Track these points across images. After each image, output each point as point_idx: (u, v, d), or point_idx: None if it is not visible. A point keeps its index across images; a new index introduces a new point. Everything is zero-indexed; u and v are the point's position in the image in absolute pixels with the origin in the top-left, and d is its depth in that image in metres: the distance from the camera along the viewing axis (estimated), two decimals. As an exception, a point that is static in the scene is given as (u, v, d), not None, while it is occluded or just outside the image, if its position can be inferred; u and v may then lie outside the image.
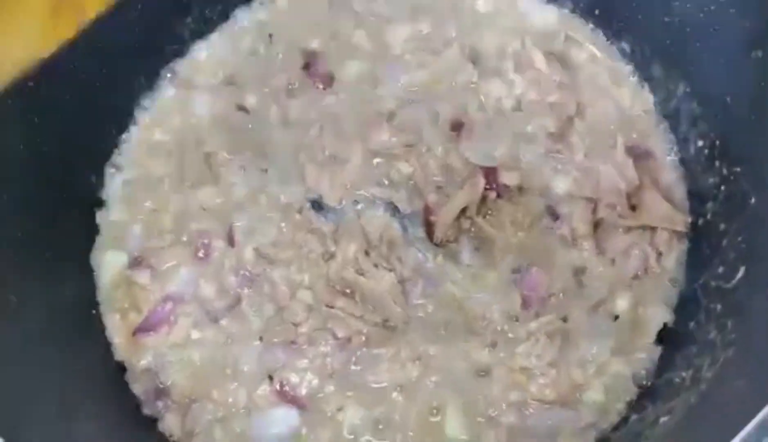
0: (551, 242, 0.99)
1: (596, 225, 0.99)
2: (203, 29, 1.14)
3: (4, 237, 0.87)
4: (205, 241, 1.00)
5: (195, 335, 0.95)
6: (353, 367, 0.93)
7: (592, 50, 1.10)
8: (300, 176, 1.04)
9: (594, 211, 0.99)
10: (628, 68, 1.09)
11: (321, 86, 1.10)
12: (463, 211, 0.99)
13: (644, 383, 0.92)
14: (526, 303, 0.96)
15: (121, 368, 0.95)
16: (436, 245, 0.99)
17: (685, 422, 0.76)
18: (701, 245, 0.96)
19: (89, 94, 1.00)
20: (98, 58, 1.00)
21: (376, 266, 0.95)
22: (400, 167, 1.03)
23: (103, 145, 1.06)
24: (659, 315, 0.95)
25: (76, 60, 0.94)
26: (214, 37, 1.15)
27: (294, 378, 0.92)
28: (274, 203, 1.02)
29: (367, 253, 0.97)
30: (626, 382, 0.93)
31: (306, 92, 1.10)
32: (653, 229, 0.98)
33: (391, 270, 0.96)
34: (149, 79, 1.11)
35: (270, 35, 1.14)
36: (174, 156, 1.06)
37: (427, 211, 1.01)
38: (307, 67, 1.10)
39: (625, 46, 1.09)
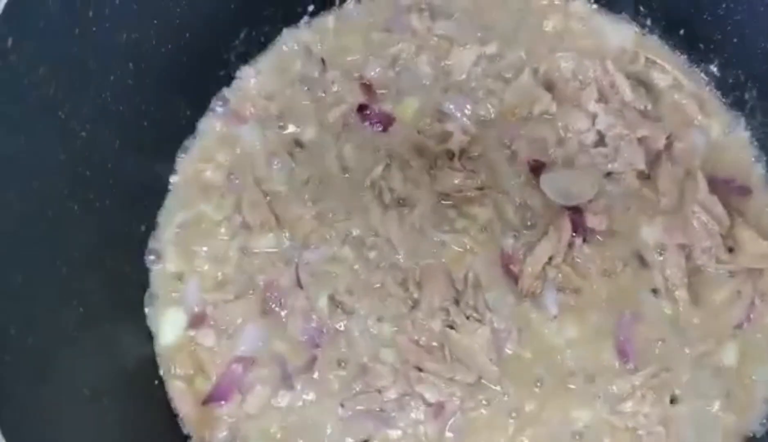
0: (642, 292, 0.92)
1: (692, 273, 0.92)
2: (250, 53, 1.05)
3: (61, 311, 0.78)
4: (274, 292, 0.91)
5: (272, 403, 0.87)
6: (448, 434, 0.85)
7: (675, 74, 1.03)
8: (366, 219, 0.96)
9: (688, 257, 0.92)
10: (717, 95, 1.02)
11: (380, 128, 1.01)
12: (549, 259, 0.92)
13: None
14: (623, 355, 0.89)
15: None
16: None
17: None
18: (809, 289, 0.89)
19: (135, 136, 0.91)
20: (145, 95, 0.91)
21: (467, 317, 0.88)
22: (474, 212, 0.96)
23: (152, 191, 0.97)
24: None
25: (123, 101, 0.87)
26: (263, 63, 1.06)
27: (387, 449, 0.84)
28: (345, 240, 0.94)
29: (456, 302, 0.89)
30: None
31: (365, 129, 1.01)
32: (758, 273, 0.92)
33: (480, 322, 0.88)
34: (196, 112, 1.02)
35: (323, 60, 1.05)
36: (230, 197, 0.97)
37: (505, 258, 0.93)
38: (361, 109, 1.01)
39: (714, 70, 1.01)
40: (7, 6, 0.69)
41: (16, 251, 0.72)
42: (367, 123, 1.02)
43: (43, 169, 0.77)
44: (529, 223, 0.95)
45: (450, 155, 0.98)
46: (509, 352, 0.89)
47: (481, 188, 0.97)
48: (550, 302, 0.91)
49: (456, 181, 0.97)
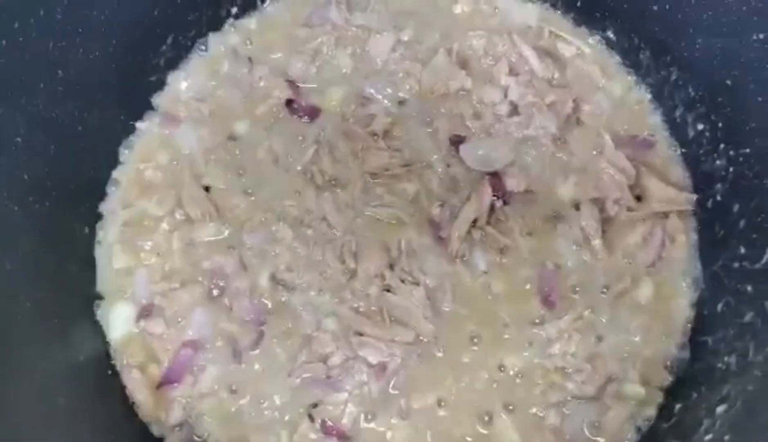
0: (562, 245, 0.99)
1: (606, 222, 0.99)
2: (178, 57, 1.10)
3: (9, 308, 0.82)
4: (219, 278, 0.96)
5: (223, 380, 0.91)
6: (392, 391, 0.91)
7: (578, 44, 1.10)
8: (301, 201, 1.01)
9: (602, 209, 1.00)
10: (617, 59, 1.10)
11: (308, 119, 1.07)
12: (473, 222, 0.98)
13: (680, 369, 0.92)
14: (548, 303, 0.95)
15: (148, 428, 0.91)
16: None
17: (744, 408, 0.76)
18: (713, 226, 0.97)
19: (71, 141, 0.95)
20: (77, 101, 0.95)
21: (402, 280, 0.93)
22: (401, 187, 1.02)
23: (92, 192, 1.01)
24: (682, 299, 0.96)
25: (56, 107, 0.91)
26: (192, 66, 1.11)
27: (335, 412, 0.89)
28: (283, 221, 0.99)
29: (391, 267, 0.95)
30: (661, 370, 0.93)
31: (293, 121, 1.07)
32: (664, 216, 0.99)
33: (415, 284, 0.94)
34: (131, 116, 1.06)
35: (249, 59, 1.11)
36: (170, 193, 1.02)
37: (434, 226, 0.99)
38: (289, 103, 1.07)
39: (611, 36, 1.09)
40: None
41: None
42: (295, 116, 1.07)
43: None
44: (453, 192, 1.01)
45: (375, 137, 1.04)
46: (446, 309, 0.94)
47: (406, 165, 1.03)
48: (479, 261, 0.97)
49: (383, 161, 1.03)
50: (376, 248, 0.97)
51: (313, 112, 1.07)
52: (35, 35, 0.86)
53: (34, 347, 0.84)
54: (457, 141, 1.04)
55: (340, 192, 1.02)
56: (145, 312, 0.95)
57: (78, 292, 0.95)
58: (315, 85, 1.09)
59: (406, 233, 0.98)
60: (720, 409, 0.79)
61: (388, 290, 0.94)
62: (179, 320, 0.95)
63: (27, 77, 0.86)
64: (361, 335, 0.92)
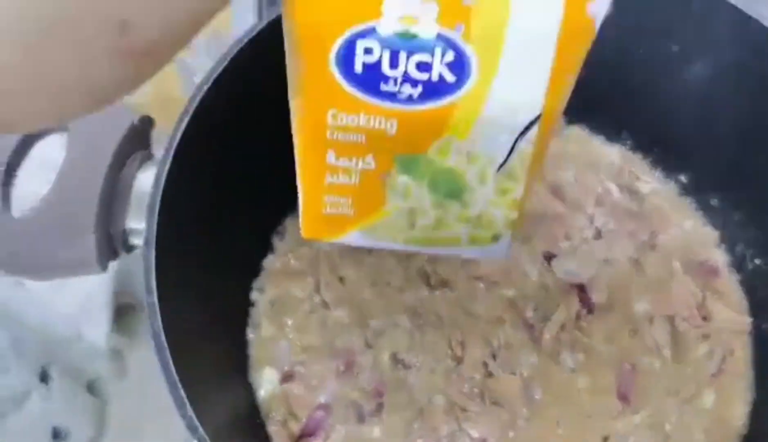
0: (638, 352, 1.17)
1: (675, 335, 1.18)
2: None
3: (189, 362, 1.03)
4: (348, 354, 1.16)
5: (348, 439, 1.11)
6: (489, 464, 1.09)
7: (654, 183, 1.32)
8: (417, 296, 1.22)
9: (672, 324, 1.18)
10: (688, 199, 1.30)
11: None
12: (562, 325, 1.18)
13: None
14: (625, 400, 1.13)
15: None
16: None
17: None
18: (767, 346, 1.14)
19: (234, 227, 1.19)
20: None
21: (502, 370, 1.13)
22: (501, 291, 1.22)
23: (247, 270, 1.24)
24: (740, 408, 1.13)
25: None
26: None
27: (440, 476, 1.07)
28: (402, 311, 1.19)
29: (493, 357, 1.14)
30: (718, 473, 1.09)
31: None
32: (726, 334, 1.17)
33: (513, 373, 1.13)
34: (281, 211, 1.30)
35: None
36: (310, 280, 1.24)
37: (528, 326, 1.19)
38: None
39: (683, 179, 1.30)
40: None
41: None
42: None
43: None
44: (544, 298, 1.21)
45: (481, 248, 1.26)
46: (537, 398, 1.12)
47: (506, 273, 1.24)
48: (567, 359, 1.16)
49: (486, 269, 1.24)
50: (479, 340, 1.16)
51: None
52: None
53: (206, 400, 1.04)
54: (549, 256, 1.25)
55: (449, 291, 1.22)
56: (287, 377, 1.15)
57: (232, 355, 1.16)
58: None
59: (505, 330, 1.18)
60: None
61: (490, 376, 1.13)
62: (314, 385, 1.15)
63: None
64: (465, 411, 1.11)
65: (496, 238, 0.72)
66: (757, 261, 1.18)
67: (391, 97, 0.54)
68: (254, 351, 1.19)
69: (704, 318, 1.19)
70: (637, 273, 1.24)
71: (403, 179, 0.61)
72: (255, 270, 1.25)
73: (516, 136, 0.59)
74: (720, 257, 1.26)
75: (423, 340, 1.17)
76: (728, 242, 1.25)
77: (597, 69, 1.25)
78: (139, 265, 0.89)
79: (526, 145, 0.60)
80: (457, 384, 1.13)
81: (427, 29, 0.50)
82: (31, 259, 0.83)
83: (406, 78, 0.52)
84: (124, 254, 1.02)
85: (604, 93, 1.30)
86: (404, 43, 0.50)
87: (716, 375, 1.15)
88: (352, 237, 0.69)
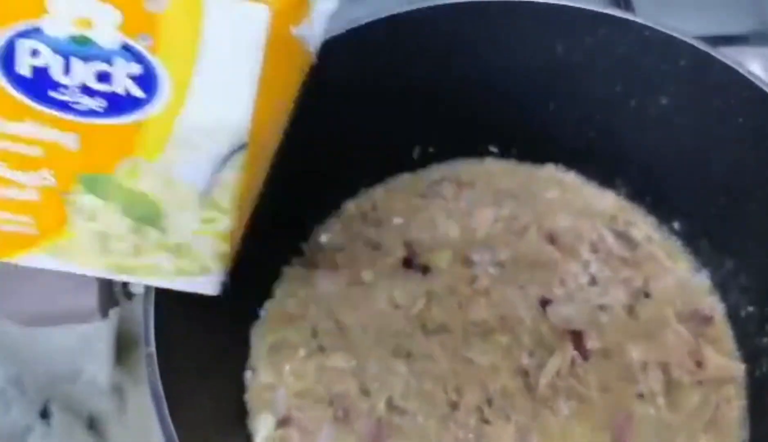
0: (632, 399, 1.18)
1: (670, 383, 1.19)
2: (322, 215, 1.37)
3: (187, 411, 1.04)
4: (345, 399, 1.17)
5: (345, 485, 1.11)
6: (479, 510, 1.09)
7: (648, 231, 1.34)
8: (412, 342, 1.23)
9: (666, 371, 1.19)
10: (681, 245, 1.32)
11: (421, 274, 1.30)
12: (557, 373, 1.19)
13: None
14: (619, 448, 1.14)
15: None
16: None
17: None
18: (761, 394, 1.15)
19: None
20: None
21: (498, 416, 1.13)
22: (497, 337, 1.23)
23: (246, 315, 1.25)
24: (733, 460, 1.14)
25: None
26: (330, 223, 1.38)
27: None
28: (398, 356, 1.20)
29: (489, 402, 1.14)
30: None
31: (410, 274, 1.30)
32: (720, 381, 1.18)
33: (508, 419, 1.13)
34: (280, 258, 1.32)
35: (376, 221, 1.37)
36: (308, 325, 1.25)
37: (524, 373, 1.20)
38: (406, 263, 1.31)
39: (676, 226, 1.32)
40: None
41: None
42: (411, 270, 1.31)
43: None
44: (540, 345, 1.22)
45: (477, 294, 1.27)
46: (532, 447, 1.14)
47: (502, 318, 1.25)
48: (562, 406, 1.17)
49: (482, 315, 1.25)
50: (476, 386, 1.17)
51: (425, 270, 1.31)
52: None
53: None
54: (544, 302, 1.26)
55: (446, 337, 1.24)
56: (284, 423, 1.16)
57: (234, 402, 1.17)
58: (427, 247, 1.34)
59: (501, 377, 1.19)
60: None
61: (485, 422, 1.14)
62: (311, 431, 1.16)
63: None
64: (462, 462, 1.11)
65: (205, 270, 0.68)
66: (750, 309, 1.20)
67: (66, 107, 0.49)
68: (252, 397, 1.20)
69: (698, 364, 1.20)
70: (632, 320, 1.25)
71: (89, 200, 0.56)
72: (254, 314, 1.27)
73: (217, 163, 0.55)
74: (713, 305, 1.27)
75: (419, 386, 1.18)
76: (721, 289, 1.26)
77: (588, 118, 1.30)
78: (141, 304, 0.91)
79: (231, 174, 0.56)
80: (453, 430, 1.14)
81: (105, 36, 0.46)
82: (33, 307, 0.85)
83: (85, 89, 0.48)
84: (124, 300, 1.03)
85: (597, 141, 1.33)
86: (78, 48, 0.46)
87: (710, 422, 1.15)
88: (37, 259, 0.63)
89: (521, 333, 1.24)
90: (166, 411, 0.81)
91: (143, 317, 0.90)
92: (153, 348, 0.84)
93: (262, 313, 1.28)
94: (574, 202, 1.39)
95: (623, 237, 1.34)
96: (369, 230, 1.36)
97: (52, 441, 1.24)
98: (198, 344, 1.08)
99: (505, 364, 1.20)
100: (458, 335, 1.24)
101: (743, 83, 1.05)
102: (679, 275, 1.30)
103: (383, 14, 1.15)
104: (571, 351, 1.20)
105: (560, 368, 1.18)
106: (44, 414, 1.26)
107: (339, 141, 1.20)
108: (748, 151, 1.12)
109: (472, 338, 1.24)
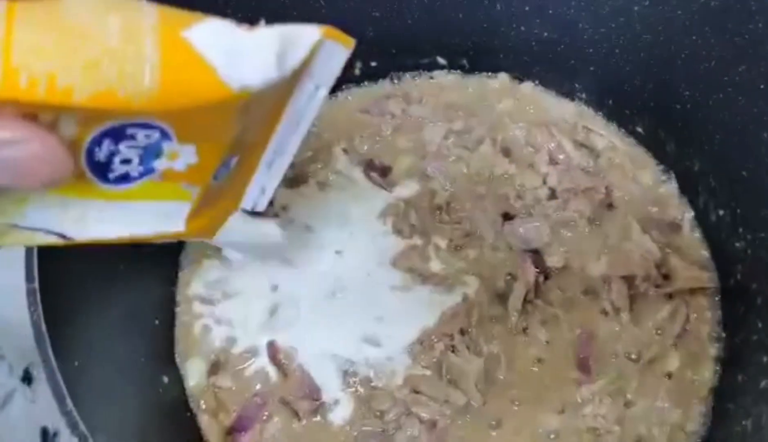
0: (596, 317, 1.09)
1: (635, 297, 1.10)
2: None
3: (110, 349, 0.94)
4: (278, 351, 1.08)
5: (288, 429, 1.02)
6: (441, 446, 1.00)
7: (609, 138, 1.23)
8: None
9: (631, 286, 1.10)
10: (645, 151, 1.22)
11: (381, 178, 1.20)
12: (525, 295, 1.09)
13: (703, 432, 1.01)
14: (584, 369, 1.05)
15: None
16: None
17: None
18: (736, 304, 1.07)
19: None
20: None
21: (468, 347, 1.04)
22: (468, 254, 1.13)
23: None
24: (706, 370, 1.06)
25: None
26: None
27: (387, 465, 0.99)
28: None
29: (462, 332, 1.05)
30: (686, 436, 1.02)
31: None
32: (690, 293, 1.10)
33: (478, 354, 1.04)
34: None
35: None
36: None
37: (502, 298, 1.10)
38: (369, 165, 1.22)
39: (639, 130, 1.22)
40: None
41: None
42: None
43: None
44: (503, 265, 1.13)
45: (439, 210, 1.16)
46: (501, 378, 1.04)
47: (467, 235, 1.15)
48: (537, 332, 1.07)
49: (447, 233, 1.15)
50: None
51: (385, 171, 1.21)
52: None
53: (131, 389, 0.96)
54: (507, 217, 1.16)
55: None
56: (215, 368, 1.07)
57: (166, 348, 1.08)
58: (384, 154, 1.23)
59: (480, 306, 1.09)
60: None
61: (452, 351, 1.04)
62: (248, 377, 1.06)
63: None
64: (417, 392, 1.02)
65: None
66: (721, 212, 1.10)
67: None
68: (181, 342, 1.10)
69: (665, 277, 1.11)
70: (594, 233, 1.16)
71: None
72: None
73: None
74: (681, 212, 1.18)
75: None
76: (689, 194, 1.17)
77: (540, 10, 1.18)
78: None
79: None
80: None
81: None
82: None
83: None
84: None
85: (551, 41, 1.22)
86: None
87: (680, 336, 1.07)
88: None
89: (487, 253, 1.14)
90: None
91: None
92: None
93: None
94: (530, 113, 1.28)
95: (584, 146, 1.24)
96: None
97: (35, 405, 1.24)
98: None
99: (482, 289, 1.10)
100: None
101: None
102: (644, 182, 1.20)
103: None
104: (533, 272, 1.10)
105: (526, 290, 1.09)
106: (26, 378, 1.26)
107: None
108: (712, 35, 1.00)
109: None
